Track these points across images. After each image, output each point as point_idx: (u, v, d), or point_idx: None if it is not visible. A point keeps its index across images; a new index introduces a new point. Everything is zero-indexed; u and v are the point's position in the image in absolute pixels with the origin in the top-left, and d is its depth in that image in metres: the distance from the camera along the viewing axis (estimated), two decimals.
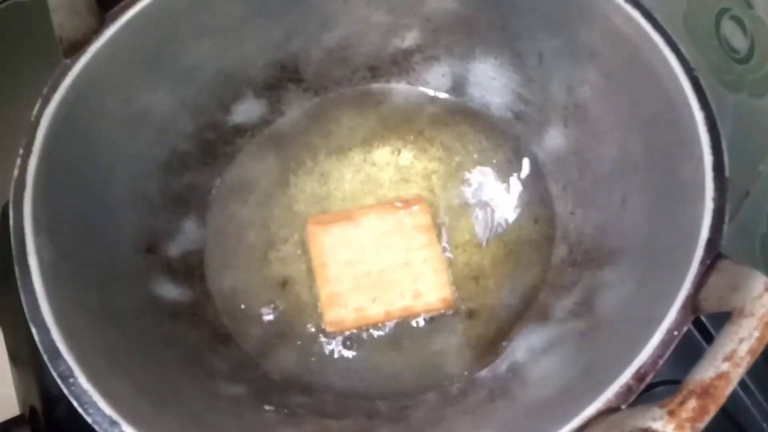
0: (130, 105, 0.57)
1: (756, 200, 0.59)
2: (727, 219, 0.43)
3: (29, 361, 0.57)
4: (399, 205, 0.60)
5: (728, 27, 0.56)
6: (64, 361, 0.43)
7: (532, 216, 0.62)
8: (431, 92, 0.67)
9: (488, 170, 0.64)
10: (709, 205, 0.44)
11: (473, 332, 0.58)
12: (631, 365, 0.40)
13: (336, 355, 0.57)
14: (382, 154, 0.65)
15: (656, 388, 0.50)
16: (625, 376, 0.40)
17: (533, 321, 0.56)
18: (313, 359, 0.57)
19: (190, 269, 0.60)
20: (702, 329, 0.56)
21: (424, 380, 0.56)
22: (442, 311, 0.57)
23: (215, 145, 0.65)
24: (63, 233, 0.50)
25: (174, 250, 0.60)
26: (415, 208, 0.60)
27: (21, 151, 0.49)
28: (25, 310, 0.45)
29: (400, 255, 0.58)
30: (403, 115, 0.65)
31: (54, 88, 0.51)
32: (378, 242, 0.59)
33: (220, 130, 0.65)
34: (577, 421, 0.39)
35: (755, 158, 0.58)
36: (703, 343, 0.55)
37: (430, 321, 0.58)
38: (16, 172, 0.49)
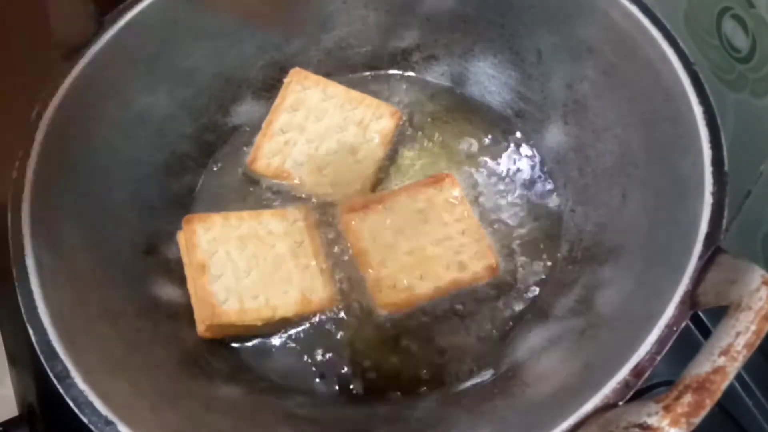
0: (129, 107, 0.57)
1: (757, 200, 0.58)
2: (726, 213, 0.43)
3: (28, 362, 0.57)
4: (428, 182, 0.60)
5: (729, 26, 0.56)
6: (61, 361, 0.43)
7: (532, 214, 0.61)
8: (431, 91, 0.67)
9: (488, 168, 0.63)
10: (708, 200, 0.44)
11: (474, 332, 0.57)
12: (628, 362, 0.40)
13: (334, 356, 0.57)
14: None
15: (657, 388, 0.49)
16: (623, 373, 0.40)
17: (533, 319, 0.56)
18: (310, 360, 0.57)
19: None
20: (703, 330, 0.55)
21: (424, 379, 0.56)
22: (490, 278, 0.57)
23: (214, 147, 0.65)
24: (61, 235, 0.50)
25: (173, 251, 0.60)
26: (446, 182, 0.59)
27: (20, 154, 0.50)
28: (23, 311, 0.45)
29: (439, 230, 0.58)
30: (404, 114, 0.65)
31: (53, 91, 0.52)
32: (414, 221, 0.58)
33: (220, 131, 0.65)
34: (574, 418, 0.39)
35: (757, 158, 0.57)
36: (704, 343, 0.54)
37: (432, 320, 0.58)
38: (14, 174, 0.49)
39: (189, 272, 0.57)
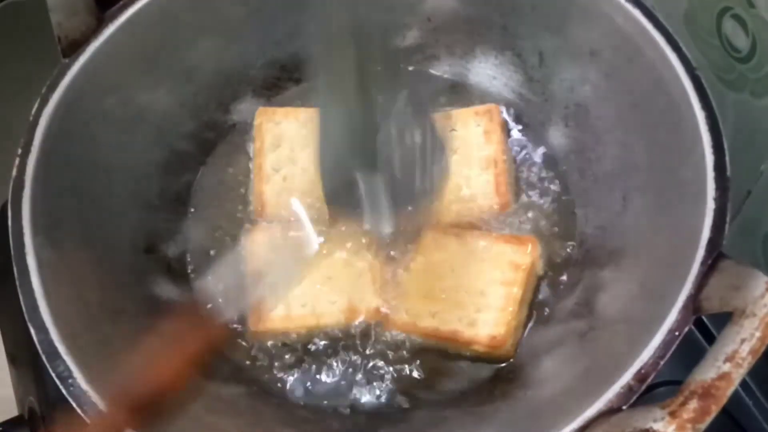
0: (129, 105, 0.57)
1: (758, 200, 0.59)
2: (728, 219, 0.43)
3: (28, 361, 0.57)
4: (510, 238, 0.57)
5: (729, 26, 0.56)
6: (63, 361, 0.43)
7: (533, 216, 0.61)
8: (430, 90, 0.67)
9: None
10: (710, 205, 0.44)
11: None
12: (632, 366, 0.40)
13: (335, 358, 0.57)
14: None
15: (658, 388, 0.50)
16: (626, 377, 0.40)
17: (534, 322, 0.56)
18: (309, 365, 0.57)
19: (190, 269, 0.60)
20: (703, 330, 0.55)
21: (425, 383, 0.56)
22: (489, 350, 0.53)
23: (214, 145, 0.64)
24: (61, 233, 0.49)
25: (173, 249, 0.60)
26: (525, 247, 0.56)
27: (19, 151, 0.49)
28: (24, 310, 0.45)
29: (482, 283, 0.55)
30: None
31: (52, 88, 0.51)
32: (471, 264, 0.56)
33: (220, 129, 0.65)
34: (578, 422, 0.39)
35: (757, 158, 0.57)
36: (705, 343, 0.54)
37: None
38: (14, 172, 0.49)
39: (248, 278, 0.56)
